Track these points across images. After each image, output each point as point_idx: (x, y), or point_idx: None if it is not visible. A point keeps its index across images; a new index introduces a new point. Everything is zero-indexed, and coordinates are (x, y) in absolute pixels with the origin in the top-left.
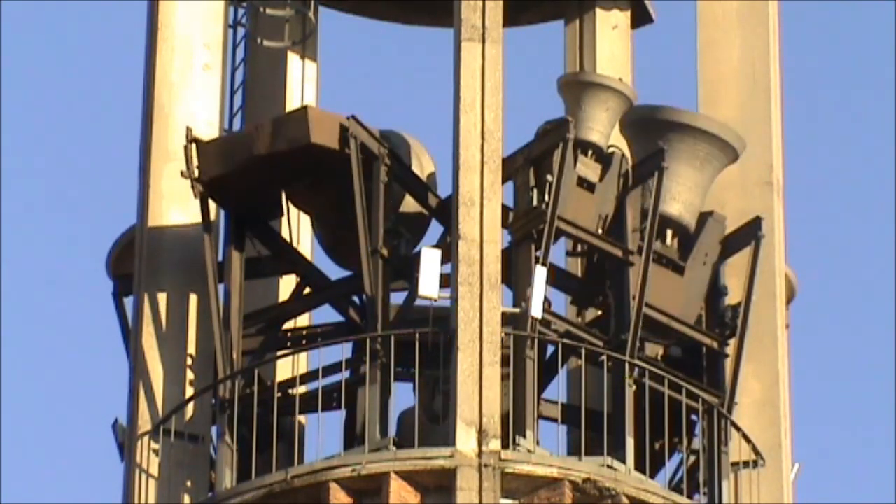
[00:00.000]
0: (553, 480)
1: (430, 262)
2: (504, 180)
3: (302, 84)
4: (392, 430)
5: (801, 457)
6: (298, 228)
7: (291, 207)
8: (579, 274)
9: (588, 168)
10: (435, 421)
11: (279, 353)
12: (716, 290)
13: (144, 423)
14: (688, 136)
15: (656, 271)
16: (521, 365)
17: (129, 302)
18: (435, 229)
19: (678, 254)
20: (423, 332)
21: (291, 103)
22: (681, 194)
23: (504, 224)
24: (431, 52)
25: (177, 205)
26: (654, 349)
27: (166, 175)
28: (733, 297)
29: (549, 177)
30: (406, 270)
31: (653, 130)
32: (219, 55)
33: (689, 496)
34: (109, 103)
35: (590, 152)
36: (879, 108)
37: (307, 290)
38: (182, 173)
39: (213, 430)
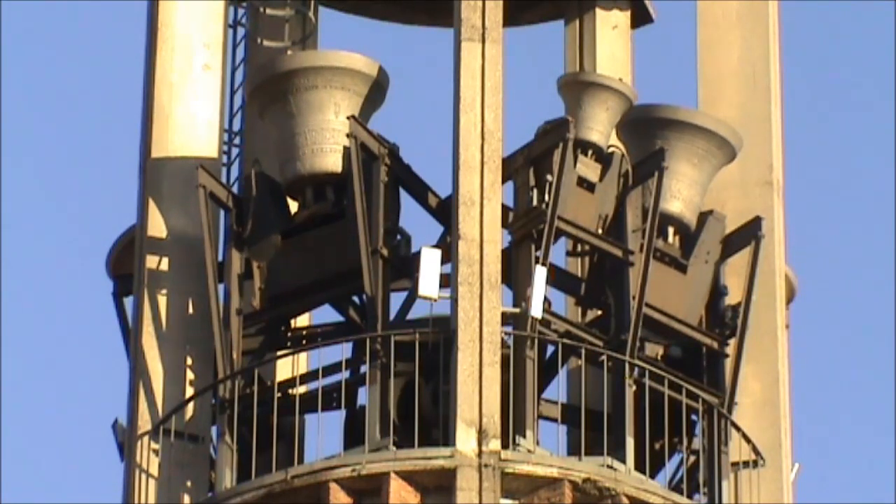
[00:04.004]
0: (553, 480)
1: (430, 262)
2: (504, 180)
3: None
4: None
5: (801, 457)
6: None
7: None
8: (580, 274)
9: (588, 168)
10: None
11: (279, 353)
12: (716, 290)
13: (144, 423)
14: (685, 134)
15: (659, 270)
16: (521, 365)
17: (129, 302)
18: (435, 229)
19: (680, 252)
20: (422, 331)
21: None
22: (681, 192)
23: (504, 224)
24: (431, 52)
25: (177, 205)
26: (654, 349)
27: (166, 175)
28: (733, 297)
29: (549, 177)
30: (406, 270)
31: (649, 129)
32: (219, 55)
33: (689, 496)
34: (109, 103)
35: (590, 152)
36: (879, 108)
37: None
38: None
39: (213, 430)
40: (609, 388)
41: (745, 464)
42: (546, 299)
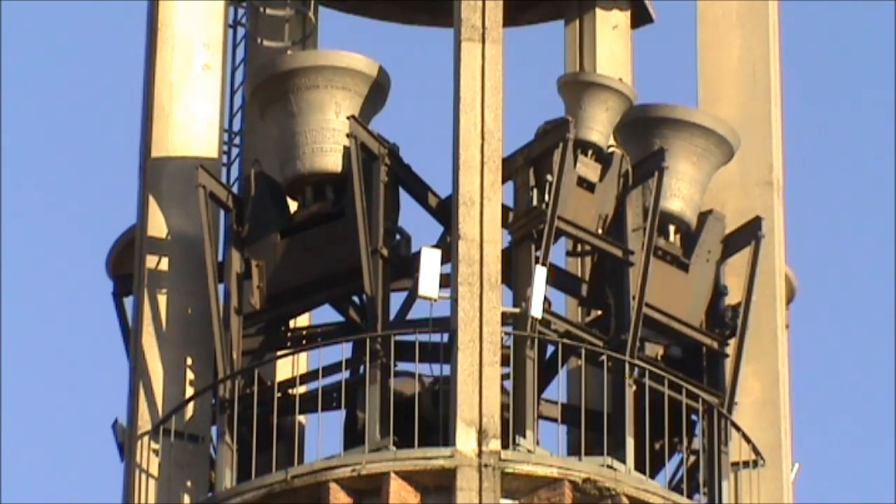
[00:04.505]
0: (553, 480)
1: (430, 262)
2: (504, 180)
3: None
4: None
5: (801, 457)
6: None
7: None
8: (580, 274)
9: (588, 168)
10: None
11: (279, 353)
12: (716, 290)
13: (144, 423)
14: (683, 132)
15: (660, 269)
16: (521, 365)
17: (129, 302)
18: (435, 229)
19: (682, 251)
20: (422, 331)
21: None
22: (681, 190)
23: (504, 224)
24: (431, 52)
25: (177, 205)
26: (654, 349)
27: (166, 175)
28: (733, 297)
29: (549, 177)
30: (406, 270)
31: (648, 128)
32: (219, 55)
33: (689, 496)
34: (109, 103)
35: (590, 152)
36: (879, 108)
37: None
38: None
39: (213, 430)
40: (609, 388)
41: (745, 464)
42: (546, 299)
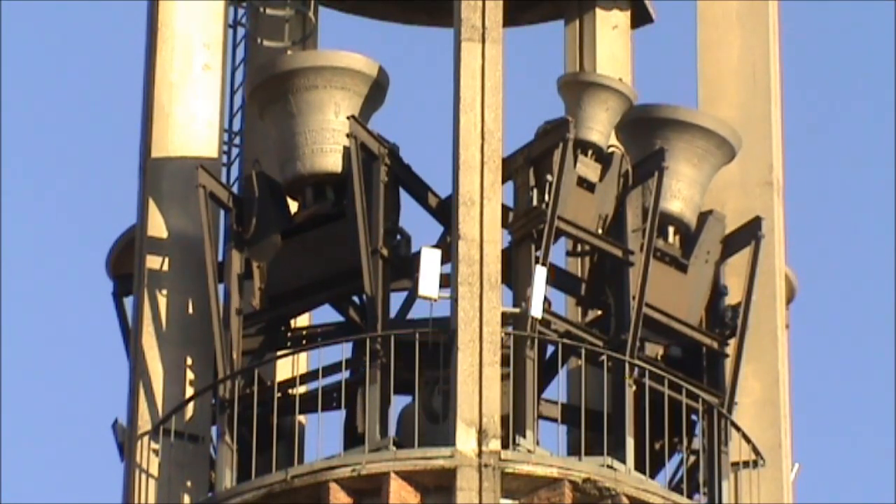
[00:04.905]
0: (553, 480)
1: (430, 262)
2: (504, 180)
3: None
4: (392, 429)
5: (801, 457)
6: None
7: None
8: (580, 274)
9: (588, 168)
10: (434, 420)
11: (279, 353)
12: (716, 290)
13: (144, 423)
14: (685, 133)
15: (659, 269)
16: (521, 365)
17: (129, 302)
18: (435, 229)
19: (681, 252)
20: (422, 331)
21: None
22: (681, 191)
23: (504, 224)
24: (431, 52)
25: (177, 205)
26: (654, 349)
27: (166, 175)
28: (733, 297)
29: (549, 177)
30: (406, 270)
31: (649, 129)
32: (219, 55)
33: (689, 496)
34: (109, 103)
35: (590, 152)
36: (879, 108)
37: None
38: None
39: (213, 430)
40: (609, 388)
41: (745, 464)
42: (546, 299)
